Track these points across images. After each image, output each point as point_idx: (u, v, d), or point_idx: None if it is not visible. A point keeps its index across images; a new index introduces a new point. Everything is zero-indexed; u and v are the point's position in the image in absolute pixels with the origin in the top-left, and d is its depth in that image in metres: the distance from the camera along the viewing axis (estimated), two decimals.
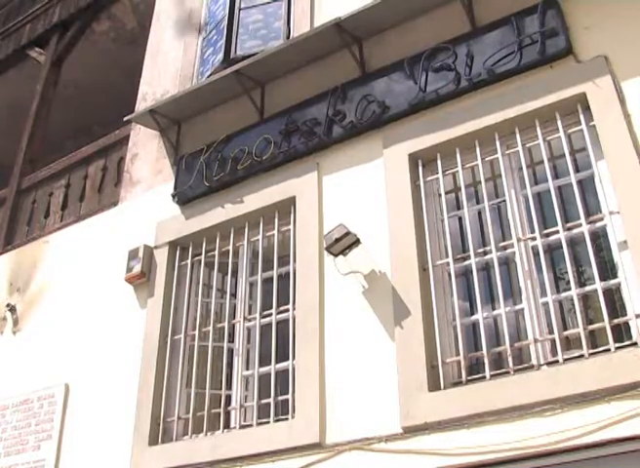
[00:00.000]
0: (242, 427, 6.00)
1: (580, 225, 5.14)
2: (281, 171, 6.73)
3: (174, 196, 7.38)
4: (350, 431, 5.27)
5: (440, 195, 5.81)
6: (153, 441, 6.30)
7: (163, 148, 7.98)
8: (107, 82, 10.89)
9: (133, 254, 7.18)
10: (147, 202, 7.74)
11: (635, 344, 4.61)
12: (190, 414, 6.30)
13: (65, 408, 7.12)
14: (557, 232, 5.22)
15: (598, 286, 4.89)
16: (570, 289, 5.04)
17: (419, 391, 5.09)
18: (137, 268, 7.08)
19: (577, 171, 5.39)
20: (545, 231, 5.30)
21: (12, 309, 8.31)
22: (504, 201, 5.59)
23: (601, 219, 5.11)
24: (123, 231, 7.70)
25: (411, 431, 5.03)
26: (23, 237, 9.10)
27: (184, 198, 7.30)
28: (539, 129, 5.53)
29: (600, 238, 5.22)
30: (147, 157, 8.13)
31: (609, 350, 4.66)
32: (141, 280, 7.09)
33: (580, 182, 5.33)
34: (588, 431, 4.41)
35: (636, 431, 4.29)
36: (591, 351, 4.74)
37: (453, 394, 5.03)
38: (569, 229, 5.21)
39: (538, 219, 5.34)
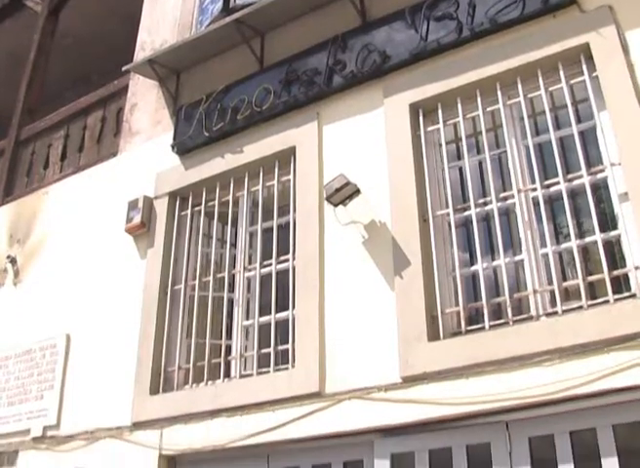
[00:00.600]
0: (242, 377, 6.05)
1: (581, 177, 5.12)
2: (281, 120, 6.68)
3: (173, 146, 7.33)
4: (350, 380, 5.31)
5: (441, 145, 5.78)
6: (154, 390, 6.35)
7: (162, 98, 7.92)
8: (105, 31, 10.77)
9: (132, 205, 7.17)
10: (147, 152, 7.70)
11: (634, 296, 4.61)
12: (191, 364, 6.35)
13: (67, 358, 7.18)
14: (558, 183, 5.20)
15: (598, 237, 4.89)
16: (570, 240, 5.03)
17: (418, 341, 5.11)
18: (136, 219, 7.07)
19: (578, 121, 5.35)
20: (546, 182, 5.27)
21: (12, 261, 8.33)
22: (505, 151, 5.56)
23: (602, 171, 5.08)
24: (122, 182, 7.68)
25: (410, 380, 5.06)
26: (23, 188, 9.09)
27: (184, 148, 7.26)
28: (540, 79, 5.47)
29: (601, 189, 5.20)
30: (146, 107, 8.07)
31: (608, 301, 4.67)
32: (141, 230, 7.09)
33: (581, 133, 5.29)
34: (587, 381, 4.44)
35: (635, 381, 4.31)
36: (590, 302, 4.75)
37: (452, 344, 5.05)
38: (569, 180, 5.19)
39: (538, 170, 5.31)
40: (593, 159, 5.25)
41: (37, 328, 7.56)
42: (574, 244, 4.98)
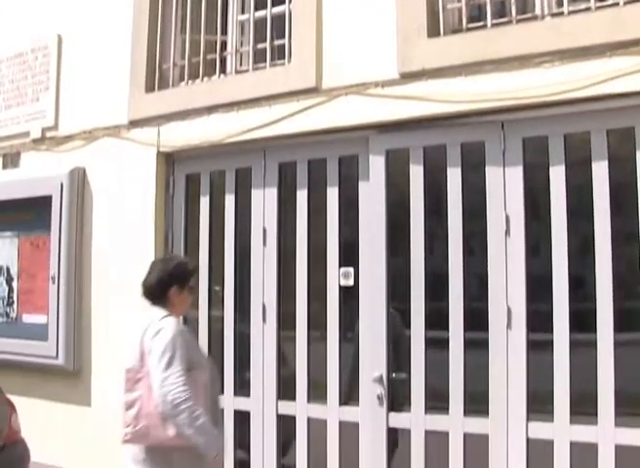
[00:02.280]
0: (238, 72, 6.00)
1: None
2: None
3: None
4: (347, 76, 5.26)
5: None
6: (150, 87, 6.32)
7: None
8: None
9: None
10: None
11: None
12: (186, 60, 6.24)
13: (60, 59, 7.06)
14: None
15: None
16: None
17: (417, 36, 4.98)
18: None
19: None
20: None
21: None
22: None
23: None
24: None
25: (407, 77, 5.01)
26: None
27: None
28: None
29: None
30: None
31: (617, 4, 4.44)
32: None
33: None
34: (586, 85, 4.38)
35: (633, 87, 4.27)
36: (599, 4, 4.52)
37: (452, 40, 4.94)
38: None
39: None
40: None
41: (27, 30, 7.34)
42: None
